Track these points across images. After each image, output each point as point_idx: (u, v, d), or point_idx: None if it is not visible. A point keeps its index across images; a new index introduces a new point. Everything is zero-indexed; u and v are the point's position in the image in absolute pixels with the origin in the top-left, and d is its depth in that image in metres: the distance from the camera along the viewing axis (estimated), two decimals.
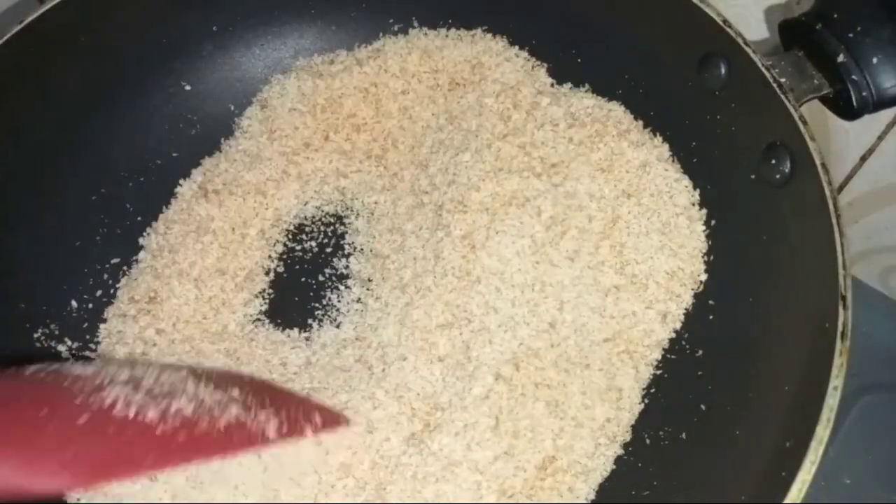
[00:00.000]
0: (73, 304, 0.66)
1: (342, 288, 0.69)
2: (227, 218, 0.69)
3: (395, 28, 0.76)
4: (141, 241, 0.69)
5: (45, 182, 0.68)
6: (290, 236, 0.71)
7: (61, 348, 0.65)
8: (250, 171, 0.70)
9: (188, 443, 0.48)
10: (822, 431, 0.46)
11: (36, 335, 0.65)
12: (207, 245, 0.67)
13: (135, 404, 0.49)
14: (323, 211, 0.73)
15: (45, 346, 0.64)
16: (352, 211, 0.72)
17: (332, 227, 0.72)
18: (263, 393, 0.54)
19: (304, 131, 0.72)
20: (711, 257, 0.65)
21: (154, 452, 0.48)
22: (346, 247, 0.71)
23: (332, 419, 0.56)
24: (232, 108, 0.75)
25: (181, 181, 0.71)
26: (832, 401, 0.49)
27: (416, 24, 0.76)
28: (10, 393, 0.49)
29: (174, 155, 0.73)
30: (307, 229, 0.72)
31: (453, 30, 0.75)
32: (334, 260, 0.70)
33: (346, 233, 0.71)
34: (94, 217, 0.70)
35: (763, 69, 0.60)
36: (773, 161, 0.61)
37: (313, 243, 0.71)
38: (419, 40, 0.75)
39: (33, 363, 0.61)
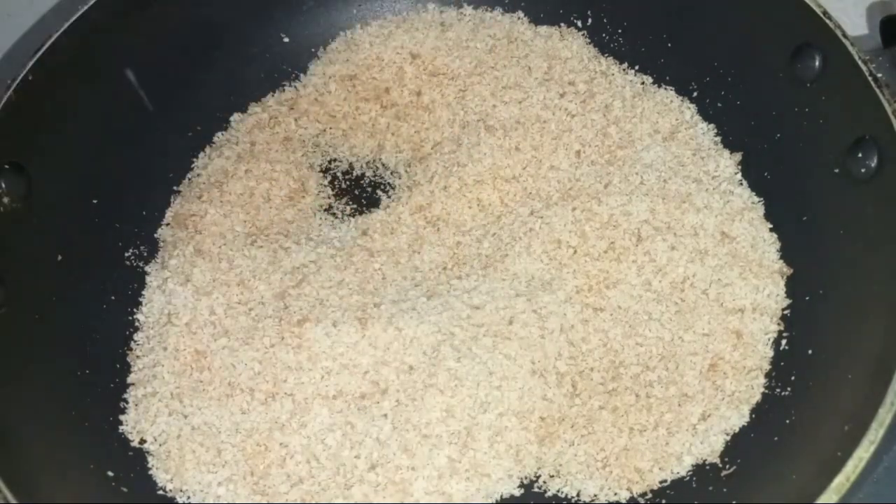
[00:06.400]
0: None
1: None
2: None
3: None
4: None
5: (150, 117, 0.73)
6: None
7: (147, 269, 0.69)
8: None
9: None
10: (885, 414, 0.46)
11: (126, 254, 0.69)
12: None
13: None
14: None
15: (132, 266, 0.69)
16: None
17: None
18: None
19: None
20: (786, 249, 0.65)
21: None
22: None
23: None
24: None
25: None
26: None
27: None
28: None
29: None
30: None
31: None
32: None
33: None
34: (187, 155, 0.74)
35: (860, 62, 0.59)
36: (860, 155, 0.60)
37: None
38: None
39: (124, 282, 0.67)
